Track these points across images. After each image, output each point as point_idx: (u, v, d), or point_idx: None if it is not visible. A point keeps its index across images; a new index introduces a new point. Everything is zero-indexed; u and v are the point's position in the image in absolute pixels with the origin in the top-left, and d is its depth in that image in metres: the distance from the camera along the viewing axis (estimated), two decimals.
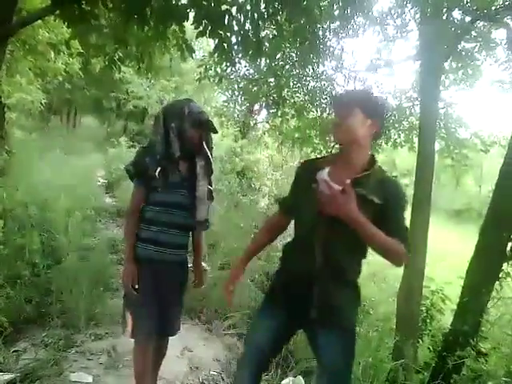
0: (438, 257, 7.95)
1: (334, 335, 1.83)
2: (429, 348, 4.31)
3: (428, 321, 4.61)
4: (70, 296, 3.75)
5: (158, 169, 2.19)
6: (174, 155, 2.23)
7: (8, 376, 2.54)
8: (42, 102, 13.03)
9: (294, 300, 1.85)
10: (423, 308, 4.54)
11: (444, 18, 4.09)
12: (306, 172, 1.91)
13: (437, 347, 4.15)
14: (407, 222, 1.98)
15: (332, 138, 1.83)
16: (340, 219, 1.67)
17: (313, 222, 1.81)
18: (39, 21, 6.55)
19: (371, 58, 5.95)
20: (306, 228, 1.88)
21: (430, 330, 4.55)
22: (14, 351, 3.07)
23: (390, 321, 4.31)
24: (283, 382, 3.01)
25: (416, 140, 5.62)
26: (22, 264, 4.12)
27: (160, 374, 2.62)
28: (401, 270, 4.13)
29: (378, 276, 7.31)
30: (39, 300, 3.78)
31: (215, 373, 3.17)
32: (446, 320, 4.56)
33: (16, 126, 11.99)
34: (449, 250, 10.78)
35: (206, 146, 2.36)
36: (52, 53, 8.40)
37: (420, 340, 4.26)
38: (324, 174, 1.72)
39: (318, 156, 6.81)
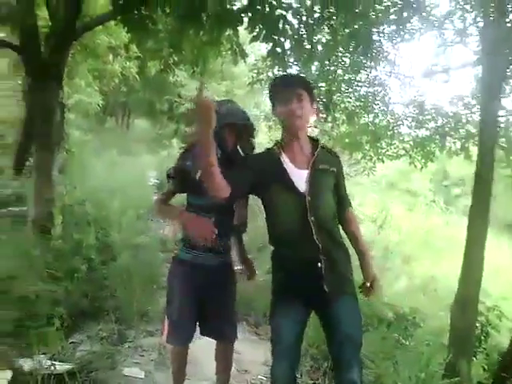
0: (493, 271, 7.62)
1: (346, 301, 1.97)
2: (483, 367, 4.13)
3: (483, 338, 4.41)
4: (123, 292, 3.87)
5: (199, 172, 2.09)
6: None
7: (68, 366, 2.65)
8: (99, 103, 13.53)
9: (305, 284, 1.95)
10: (478, 324, 4.35)
11: (508, 20, 3.93)
12: (266, 161, 2.04)
13: (492, 367, 3.97)
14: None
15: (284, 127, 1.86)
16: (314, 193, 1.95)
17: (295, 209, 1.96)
18: (100, 26, 6.82)
19: (428, 64, 5.79)
20: (290, 217, 1.98)
21: (485, 348, 4.35)
22: (70, 342, 3.20)
23: (442, 335, 4.16)
24: None
25: (473, 149, 5.41)
26: (79, 259, 4.29)
27: (207, 374, 2.65)
28: (453, 282, 3.99)
29: (428, 288, 7.08)
30: (95, 294, 3.93)
31: (263, 377, 3.16)
32: (502, 338, 4.35)
33: (74, 127, 12.52)
34: (504, 265, 10.29)
35: (240, 150, 2.29)
36: (111, 56, 8.73)
37: (474, 358, 4.08)
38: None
39: (369, 162, 6.70)
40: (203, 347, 2.60)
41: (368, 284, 2.15)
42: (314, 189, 1.96)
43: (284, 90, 1.99)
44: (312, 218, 1.92)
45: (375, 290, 2.16)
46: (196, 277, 2.25)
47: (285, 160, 1.99)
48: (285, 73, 2.44)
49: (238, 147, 2.28)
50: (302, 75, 2.23)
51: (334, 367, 2.02)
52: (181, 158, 2.26)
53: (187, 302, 2.26)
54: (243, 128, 2.25)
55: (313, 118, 2.04)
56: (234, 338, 2.39)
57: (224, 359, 2.47)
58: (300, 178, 1.96)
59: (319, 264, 1.92)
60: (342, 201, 2.13)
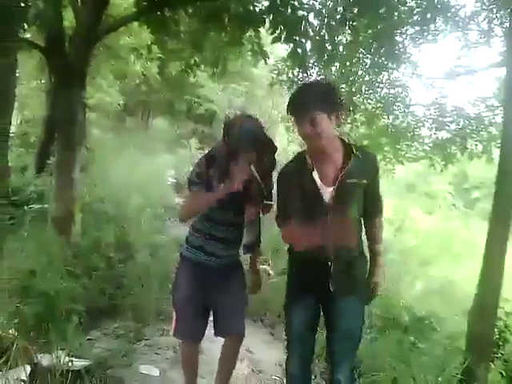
0: None
1: (351, 302, 2.05)
2: (501, 373, 4.05)
3: (501, 344, 4.33)
4: (140, 290, 3.91)
5: (222, 185, 2.11)
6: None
7: (86, 362, 2.69)
8: (120, 103, 13.69)
9: (314, 282, 2.04)
10: (496, 330, 4.27)
11: None
12: (297, 174, 2.01)
13: (510, 373, 3.89)
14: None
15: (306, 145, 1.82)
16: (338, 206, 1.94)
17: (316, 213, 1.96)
18: (123, 27, 6.91)
19: (451, 65, 5.72)
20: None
21: (503, 354, 4.27)
22: (88, 339, 3.24)
23: (459, 340, 4.10)
24: None
25: (495, 151, 5.32)
26: (97, 256, 4.36)
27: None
28: (471, 286, 3.92)
29: (445, 292, 6.98)
30: (112, 292, 3.97)
31: (277, 378, 3.16)
32: None
33: (95, 126, 12.70)
34: None
35: (254, 169, 2.19)
36: (132, 56, 8.83)
37: (491, 363, 4.01)
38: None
39: (388, 164, 6.64)
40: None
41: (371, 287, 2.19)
42: (338, 205, 1.94)
43: (297, 113, 1.93)
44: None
45: (372, 296, 2.22)
46: (198, 273, 2.30)
47: (316, 177, 1.95)
48: (300, 86, 2.20)
49: (252, 167, 2.18)
50: (319, 86, 2.01)
51: (329, 364, 2.19)
52: (202, 165, 2.22)
53: (191, 297, 2.30)
54: (262, 147, 2.18)
55: (333, 127, 1.91)
56: (242, 333, 2.40)
57: (230, 357, 2.47)
58: (326, 192, 1.95)
59: (329, 264, 1.99)
60: (370, 208, 2.10)
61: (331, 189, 1.94)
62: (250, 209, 2.29)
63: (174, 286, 2.43)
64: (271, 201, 2.32)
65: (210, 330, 2.43)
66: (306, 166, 1.97)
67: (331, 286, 1.99)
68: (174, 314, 2.37)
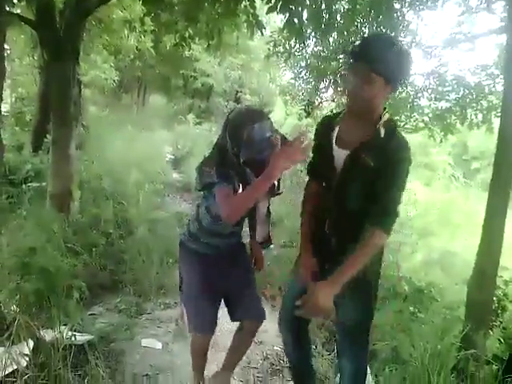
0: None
1: (349, 288, 1.69)
2: (499, 340, 4.11)
3: (499, 312, 4.38)
4: (141, 265, 3.94)
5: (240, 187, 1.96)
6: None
7: (87, 337, 2.72)
8: (115, 79, 13.52)
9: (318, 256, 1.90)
10: (495, 298, 4.32)
11: None
12: (324, 128, 1.91)
13: (508, 340, 3.95)
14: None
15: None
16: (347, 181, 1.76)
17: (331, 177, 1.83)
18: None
19: (451, 32, 5.59)
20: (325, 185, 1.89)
21: (501, 322, 4.33)
22: (90, 314, 3.28)
23: (458, 309, 4.15)
24: None
25: (495, 121, 5.26)
26: (97, 233, 4.37)
27: (224, 345, 2.66)
28: (470, 257, 3.94)
29: (444, 261, 7.03)
30: (113, 268, 4.00)
31: (279, 348, 3.20)
32: None
33: (90, 102, 12.57)
34: None
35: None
36: (126, 31, 8.66)
37: (490, 331, 4.07)
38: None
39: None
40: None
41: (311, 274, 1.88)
42: (346, 174, 1.77)
43: (352, 63, 1.75)
44: (334, 199, 1.83)
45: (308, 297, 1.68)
46: (205, 261, 2.20)
47: (333, 135, 1.82)
48: (384, 39, 1.81)
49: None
50: (398, 53, 1.64)
51: None
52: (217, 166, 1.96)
53: (203, 288, 2.19)
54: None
55: (382, 97, 1.71)
56: (264, 316, 2.28)
57: (248, 340, 2.37)
58: (340, 154, 1.79)
59: (332, 240, 1.87)
60: (369, 206, 1.72)
61: (345, 152, 1.76)
62: (264, 202, 2.19)
63: (183, 281, 2.29)
64: (279, 190, 2.16)
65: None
66: (331, 122, 1.88)
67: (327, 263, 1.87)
68: (187, 308, 2.26)
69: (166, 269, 4.08)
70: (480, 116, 5.65)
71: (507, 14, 4.26)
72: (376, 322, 3.32)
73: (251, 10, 4.74)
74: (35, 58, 8.70)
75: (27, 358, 2.24)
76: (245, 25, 4.98)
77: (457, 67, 5.78)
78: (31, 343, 2.35)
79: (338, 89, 7.48)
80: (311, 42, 6.78)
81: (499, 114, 4.38)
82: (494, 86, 5.50)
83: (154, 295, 3.73)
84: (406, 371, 2.68)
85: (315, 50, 7.12)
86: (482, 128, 5.93)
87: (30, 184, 5.34)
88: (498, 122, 4.22)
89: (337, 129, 1.83)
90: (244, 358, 2.56)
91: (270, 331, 3.43)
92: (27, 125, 8.32)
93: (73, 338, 2.51)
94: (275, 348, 3.25)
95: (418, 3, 5.14)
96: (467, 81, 5.58)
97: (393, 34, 5.13)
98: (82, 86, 8.01)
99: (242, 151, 1.88)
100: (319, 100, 13.38)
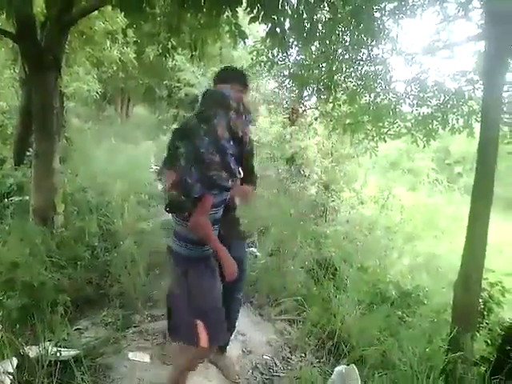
0: (496, 247, 7.61)
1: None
2: (486, 342, 4.15)
3: (486, 313, 4.43)
4: (127, 278, 3.88)
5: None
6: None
7: (74, 352, 2.67)
8: (98, 91, 13.44)
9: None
10: (481, 300, 4.36)
11: None
12: None
13: (495, 341, 3.99)
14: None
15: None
16: None
17: None
18: (96, 11, 6.72)
19: (430, 40, 5.67)
20: None
21: (488, 324, 4.38)
22: (76, 329, 3.22)
23: (445, 312, 4.19)
24: (336, 369, 2.99)
25: (476, 125, 5.34)
26: (81, 246, 4.31)
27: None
28: (455, 260, 3.99)
29: (430, 265, 7.09)
30: (99, 281, 3.95)
31: (268, 357, 3.18)
32: (505, 313, 4.37)
33: (73, 115, 12.47)
34: (507, 241, 10.27)
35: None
36: (108, 42, 8.63)
37: (477, 333, 4.11)
38: None
39: (371, 142, 6.64)
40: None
41: None
42: None
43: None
44: None
45: None
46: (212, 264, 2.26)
47: None
48: None
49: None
50: None
51: None
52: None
53: (218, 295, 2.24)
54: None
55: None
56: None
57: None
58: None
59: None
60: None
61: None
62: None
63: (194, 295, 2.21)
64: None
65: None
66: None
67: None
68: (203, 322, 2.18)
69: (152, 280, 4.03)
70: (461, 121, 5.73)
71: (484, 21, 4.36)
72: (365, 327, 3.34)
73: (233, 21, 4.75)
74: (16, 70, 8.62)
75: (11, 376, 2.20)
76: (227, 35, 5.00)
77: (437, 74, 5.85)
78: (15, 361, 2.30)
79: (322, 97, 7.51)
80: (294, 51, 6.82)
81: (479, 119, 4.45)
82: (473, 92, 5.58)
83: (141, 308, 3.68)
84: (395, 376, 2.69)
85: (298, 58, 7.16)
86: (463, 133, 6.02)
87: (12, 198, 5.26)
88: (478, 127, 4.30)
89: None
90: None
91: (258, 340, 3.42)
92: (9, 138, 8.21)
93: (58, 354, 2.46)
94: (264, 357, 3.23)
95: (397, 12, 5.21)
96: (447, 87, 5.66)
97: (373, 42, 5.22)
98: (64, 98, 7.95)
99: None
100: (303, 108, 13.48)
